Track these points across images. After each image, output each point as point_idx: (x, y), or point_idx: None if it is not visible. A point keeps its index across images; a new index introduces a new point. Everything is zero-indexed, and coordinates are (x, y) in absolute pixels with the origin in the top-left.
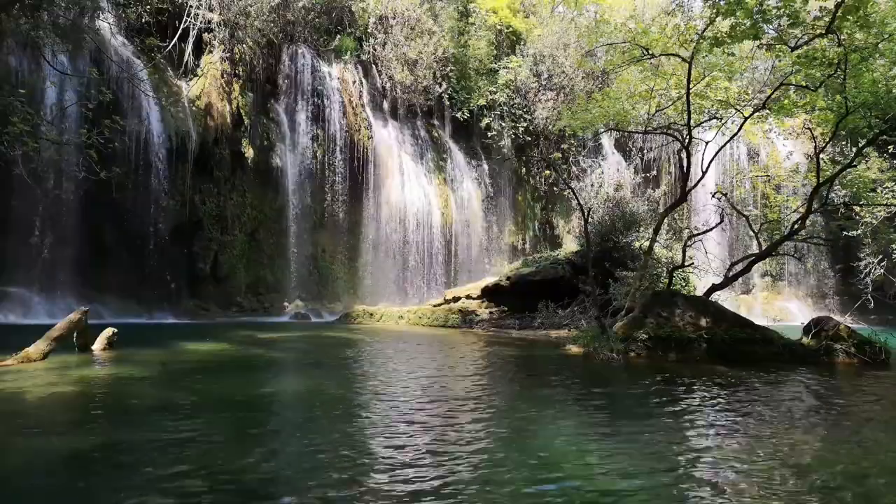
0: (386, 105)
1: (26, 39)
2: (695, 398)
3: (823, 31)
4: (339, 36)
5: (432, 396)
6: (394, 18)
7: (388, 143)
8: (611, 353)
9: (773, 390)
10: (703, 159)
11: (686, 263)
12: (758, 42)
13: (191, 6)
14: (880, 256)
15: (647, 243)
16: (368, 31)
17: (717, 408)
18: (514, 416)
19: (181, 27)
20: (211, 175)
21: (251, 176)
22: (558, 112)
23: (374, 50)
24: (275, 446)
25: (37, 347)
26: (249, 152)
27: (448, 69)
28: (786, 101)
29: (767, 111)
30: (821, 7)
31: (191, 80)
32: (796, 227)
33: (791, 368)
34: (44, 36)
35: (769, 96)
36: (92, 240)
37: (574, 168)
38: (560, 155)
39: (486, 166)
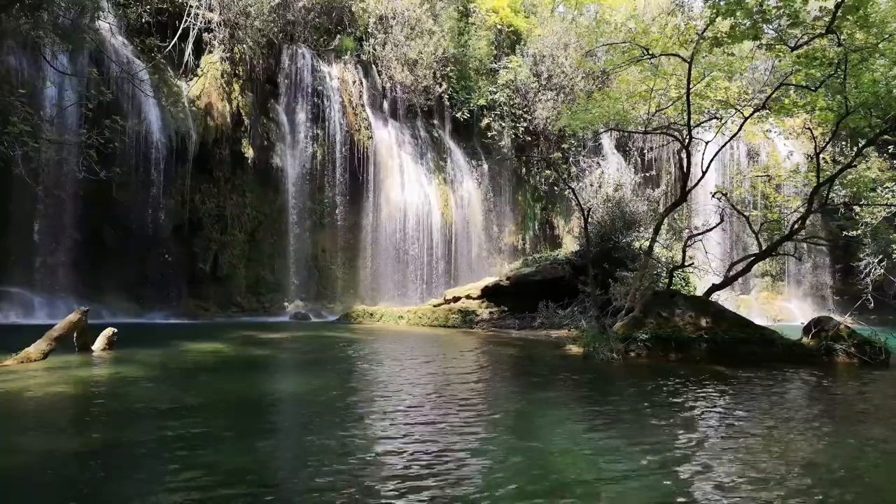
0: (386, 105)
1: (26, 39)
2: (695, 398)
3: (823, 31)
4: (339, 36)
5: (432, 396)
6: (394, 18)
7: (388, 143)
8: (611, 354)
9: (773, 390)
10: (703, 159)
11: (686, 263)
12: (758, 42)
13: (191, 6)
14: (880, 256)
15: (647, 243)
16: (368, 31)
17: (717, 408)
18: (515, 417)
19: (181, 27)
20: (211, 175)
21: (251, 176)
22: (558, 112)
23: (374, 50)
24: (275, 447)
25: (37, 347)
26: (249, 152)
27: (448, 69)
28: (786, 101)
29: (767, 111)
30: (821, 7)
31: (191, 80)
32: (796, 227)
33: (791, 368)
34: (44, 36)
35: (769, 96)
36: (92, 240)
37: (574, 168)
38: (560, 155)
39: (486, 166)
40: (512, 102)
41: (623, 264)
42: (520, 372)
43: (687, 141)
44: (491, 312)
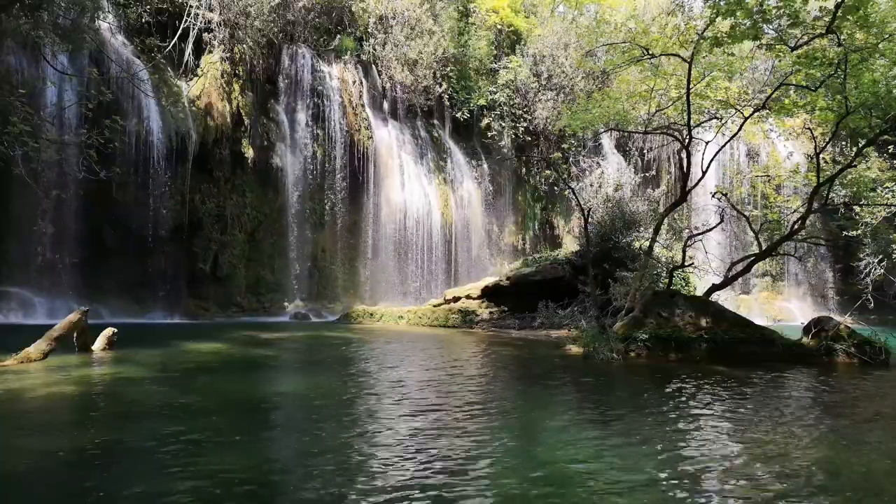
0: (386, 105)
1: (26, 39)
2: (695, 398)
3: (823, 31)
4: (339, 36)
5: (433, 397)
6: (394, 18)
7: (388, 143)
8: (611, 354)
9: (773, 390)
10: (703, 159)
11: (686, 263)
12: (758, 42)
13: (191, 6)
14: (880, 256)
15: (647, 243)
16: (368, 31)
17: (717, 408)
18: (515, 417)
19: (181, 27)
20: (211, 175)
21: (251, 176)
22: (558, 112)
23: (374, 50)
24: (275, 448)
25: (37, 347)
26: (249, 152)
27: (448, 69)
28: (786, 101)
29: (767, 111)
30: (821, 7)
31: (191, 80)
32: (796, 227)
33: (791, 368)
34: (44, 36)
35: (769, 96)
36: (92, 240)
37: (574, 168)
38: (560, 155)
39: (486, 166)
40: (512, 102)
41: (623, 264)
42: (520, 372)
43: (687, 141)
44: (491, 312)
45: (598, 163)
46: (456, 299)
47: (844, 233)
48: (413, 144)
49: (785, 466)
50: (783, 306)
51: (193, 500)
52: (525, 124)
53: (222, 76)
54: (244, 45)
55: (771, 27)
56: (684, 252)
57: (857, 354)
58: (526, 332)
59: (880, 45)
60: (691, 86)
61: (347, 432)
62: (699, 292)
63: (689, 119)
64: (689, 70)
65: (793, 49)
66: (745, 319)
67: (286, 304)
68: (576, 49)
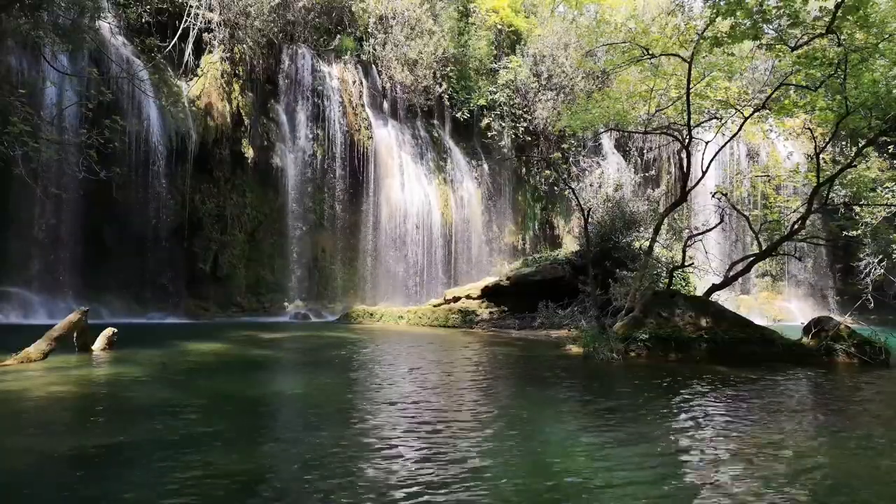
0: (386, 105)
1: (26, 39)
2: (695, 399)
3: (823, 31)
4: (339, 36)
5: (433, 397)
6: (394, 18)
7: (388, 143)
8: (611, 354)
9: (773, 390)
10: (703, 159)
11: (686, 263)
12: (758, 42)
13: (191, 6)
14: (880, 256)
15: (647, 243)
16: (368, 31)
17: (718, 408)
18: (515, 417)
19: (181, 27)
20: (211, 175)
21: (251, 176)
22: (558, 112)
23: (374, 50)
24: (275, 448)
25: (37, 347)
26: (249, 152)
27: (448, 69)
28: (786, 101)
29: (767, 111)
30: (821, 7)
31: (191, 80)
32: (796, 227)
33: (791, 368)
34: (44, 36)
35: (769, 96)
36: (92, 240)
37: (574, 168)
38: (560, 155)
39: (486, 166)
40: (512, 102)
41: (623, 264)
42: (520, 372)
43: (687, 141)
44: (491, 312)
45: (598, 163)
46: (456, 299)
47: (844, 233)
48: (413, 144)
49: (786, 467)
50: (783, 306)
51: (192, 501)
52: (525, 124)
53: (222, 76)
54: (244, 45)
55: (771, 27)
56: (684, 252)
57: (857, 354)
58: (526, 332)
59: (880, 45)
60: (691, 86)
61: (349, 433)
62: (699, 292)
63: (689, 119)
64: (689, 70)
65: (793, 49)
66: (745, 319)
67: (286, 304)
68: (576, 49)
